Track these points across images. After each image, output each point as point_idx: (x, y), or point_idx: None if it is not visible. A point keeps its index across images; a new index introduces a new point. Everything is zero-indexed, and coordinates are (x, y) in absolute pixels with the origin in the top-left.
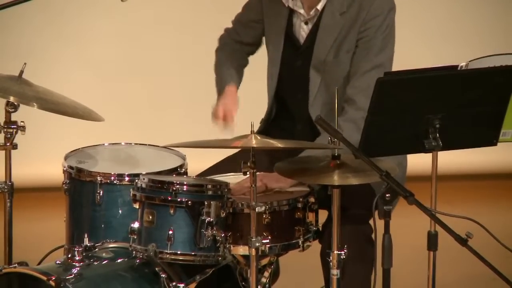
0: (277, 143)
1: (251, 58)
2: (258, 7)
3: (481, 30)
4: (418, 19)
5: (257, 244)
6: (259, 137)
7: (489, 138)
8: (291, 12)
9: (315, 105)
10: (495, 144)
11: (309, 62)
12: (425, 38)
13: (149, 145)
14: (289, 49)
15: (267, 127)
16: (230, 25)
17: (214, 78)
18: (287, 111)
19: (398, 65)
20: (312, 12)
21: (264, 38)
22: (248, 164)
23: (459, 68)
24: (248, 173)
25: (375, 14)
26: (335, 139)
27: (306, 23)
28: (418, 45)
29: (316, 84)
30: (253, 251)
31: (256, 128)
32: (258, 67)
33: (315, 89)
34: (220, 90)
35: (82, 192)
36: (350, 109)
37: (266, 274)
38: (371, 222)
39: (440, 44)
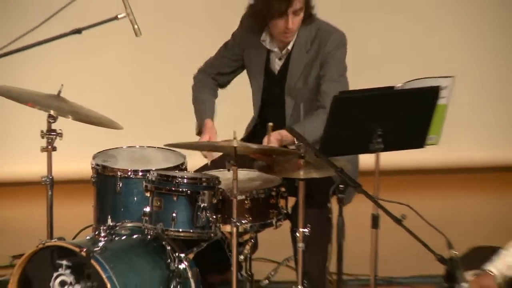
0: (253, 145)
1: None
2: (237, 48)
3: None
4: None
5: (238, 224)
6: (239, 142)
7: (419, 142)
8: (268, 51)
9: (290, 119)
10: (423, 147)
11: (283, 89)
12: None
13: (157, 147)
14: (267, 79)
15: (251, 137)
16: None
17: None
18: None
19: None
20: (284, 51)
21: (238, 70)
22: (231, 162)
23: (395, 88)
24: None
25: (329, 49)
26: (302, 143)
27: (280, 59)
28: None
29: (290, 105)
30: (234, 229)
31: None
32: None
33: (289, 109)
34: (201, 124)
35: (106, 184)
36: (309, 118)
37: (247, 247)
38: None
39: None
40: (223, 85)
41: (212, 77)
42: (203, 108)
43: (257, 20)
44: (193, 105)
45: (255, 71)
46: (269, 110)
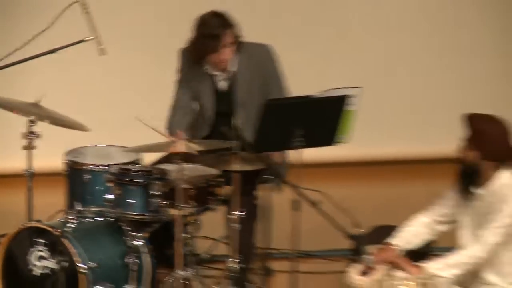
0: (196, 146)
1: None
2: (188, 84)
3: None
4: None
5: (183, 208)
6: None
7: (331, 140)
8: (212, 75)
9: (246, 130)
10: (333, 145)
11: (232, 104)
12: None
13: (118, 146)
14: (217, 97)
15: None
16: None
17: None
18: (218, 134)
19: None
20: (227, 74)
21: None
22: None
23: (313, 96)
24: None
25: (267, 62)
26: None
27: (225, 80)
28: None
29: (242, 115)
30: (179, 213)
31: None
32: None
33: (242, 118)
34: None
35: (76, 176)
36: None
37: (192, 227)
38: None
39: None
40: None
41: (183, 113)
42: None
43: (196, 56)
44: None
45: (206, 94)
46: (219, 122)
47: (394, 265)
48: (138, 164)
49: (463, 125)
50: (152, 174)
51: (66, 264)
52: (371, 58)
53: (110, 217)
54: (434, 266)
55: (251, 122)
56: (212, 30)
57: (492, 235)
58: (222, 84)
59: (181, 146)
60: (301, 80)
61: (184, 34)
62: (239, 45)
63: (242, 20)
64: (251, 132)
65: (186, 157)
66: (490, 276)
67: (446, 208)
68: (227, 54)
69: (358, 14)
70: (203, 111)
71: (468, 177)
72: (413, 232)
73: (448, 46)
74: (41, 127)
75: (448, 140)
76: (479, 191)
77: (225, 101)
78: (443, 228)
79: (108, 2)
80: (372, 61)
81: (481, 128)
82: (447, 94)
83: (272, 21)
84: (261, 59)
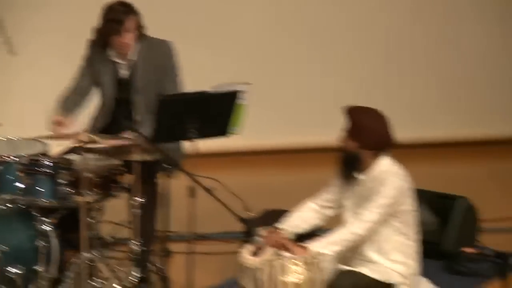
0: (96, 138)
1: None
2: (90, 67)
3: None
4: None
5: (87, 196)
6: (87, 136)
7: (224, 132)
8: (115, 62)
9: (140, 113)
10: (227, 136)
11: (130, 91)
12: None
13: (28, 138)
14: (117, 84)
15: (104, 132)
16: None
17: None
18: (117, 122)
19: None
20: (128, 62)
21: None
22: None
23: (206, 92)
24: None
25: (165, 56)
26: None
27: (126, 69)
28: None
29: (139, 102)
30: (83, 199)
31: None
32: None
33: (138, 105)
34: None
35: None
36: None
37: (96, 213)
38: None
39: None
40: (87, 92)
41: (78, 94)
42: (65, 106)
43: (100, 39)
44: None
45: (107, 80)
46: (119, 109)
47: (282, 247)
48: (46, 155)
49: (344, 116)
50: (59, 164)
51: None
52: (262, 55)
53: (21, 204)
54: (317, 245)
55: (148, 109)
56: (116, 15)
57: (370, 214)
58: (123, 72)
59: (65, 130)
60: (197, 75)
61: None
62: (142, 35)
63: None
64: (149, 121)
65: (89, 148)
66: (371, 254)
67: (332, 194)
68: (129, 38)
69: (252, 11)
70: (104, 98)
71: (349, 164)
72: (301, 217)
73: (329, 44)
74: None
75: (332, 131)
76: (360, 176)
77: (124, 89)
78: (330, 212)
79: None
80: (262, 59)
81: (359, 120)
82: (328, 89)
83: (170, 17)
84: (161, 53)
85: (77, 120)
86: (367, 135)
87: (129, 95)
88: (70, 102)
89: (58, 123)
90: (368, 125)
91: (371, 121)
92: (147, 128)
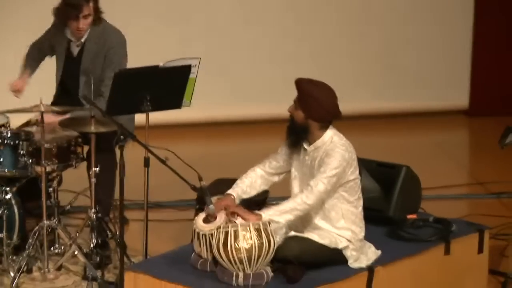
0: (54, 108)
1: None
2: (48, 40)
3: None
4: None
5: (46, 165)
6: (45, 106)
7: (177, 104)
8: (69, 40)
9: (83, 90)
10: (180, 108)
11: (79, 68)
12: None
13: None
14: (68, 59)
15: (54, 103)
16: None
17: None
18: (68, 92)
19: None
20: (79, 42)
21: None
22: (38, 120)
23: (159, 66)
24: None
25: (112, 45)
26: (92, 106)
27: (77, 46)
28: None
29: (83, 81)
30: (43, 169)
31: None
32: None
33: (82, 84)
34: (21, 72)
35: None
36: (100, 98)
37: (55, 181)
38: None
39: None
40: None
41: (38, 50)
42: (27, 62)
43: (58, 18)
44: (22, 61)
45: (60, 53)
46: (68, 82)
47: (233, 213)
48: (7, 127)
49: (296, 86)
50: (19, 135)
51: None
52: (214, 29)
53: None
54: (269, 213)
55: (90, 88)
56: (74, 1)
57: (319, 185)
58: (74, 50)
59: (22, 83)
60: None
61: None
62: (98, 19)
63: None
64: (90, 97)
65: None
66: (319, 222)
67: (279, 161)
68: (84, 23)
69: None
70: (56, 71)
71: (296, 134)
72: (249, 183)
73: (279, 17)
74: None
75: (281, 103)
76: (308, 147)
77: (72, 66)
78: (276, 179)
79: None
80: (213, 32)
81: (308, 92)
82: (277, 62)
83: None
84: (110, 41)
85: (30, 78)
86: (315, 107)
87: (76, 72)
88: (31, 59)
89: (17, 90)
90: (316, 97)
91: (319, 93)
92: (101, 101)
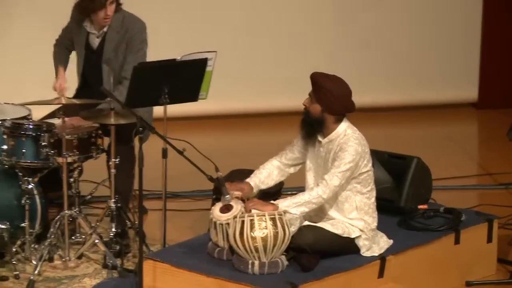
0: (75, 101)
1: None
2: (69, 33)
3: None
4: None
5: (67, 156)
6: (66, 98)
7: (193, 97)
8: (88, 32)
9: (106, 81)
10: (196, 100)
11: (100, 59)
12: None
13: (11, 103)
14: (88, 52)
15: (77, 95)
16: None
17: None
18: (89, 84)
19: None
20: (100, 32)
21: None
22: (61, 113)
23: (177, 60)
24: (60, 118)
25: (134, 32)
26: (112, 99)
27: (97, 37)
28: None
29: (106, 71)
30: (65, 160)
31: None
32: None
33: (105, 74)
34: (56, 71)
35: None
36: (125, 81)
37: (76, 173)
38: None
39: None
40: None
41: (63, 46)
42: (59, 60)
43: (82, 13)
44: (53, 60)
45: (79, 47)
46: (90, 74)
47: (250, 203)
48: (29, 118)
49: (311, 81)
50: (41, 127)
51: None
52: (229, 23)
53: (6, 165)
54: (285, 204)
55: (112, 78)
56: None
57: (333, 178)
58: (94, 42)
59: (62, 81)
60: (168, 44)
61: None
62: (118, 7)
63: None
64: (112, 87)
65: (68, 112)
66: (333, 213)
67: (295, 153)
68: (111, 10)
69: None
70: (77, 65)
71: (312, 127)
72: (266, 174)
73: (295, 11)
74: None
75: (296, 96)
76: (321, 139)
77: (93, 58)
78: (292, 170)
79: None
80: (230, 27)
81: (324, 85)
82: (296, 55)
83: None
84: (131, 29)
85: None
86: (331, 100)
87: (97, 63)
88: (60, 56)
89: (62, 89)
90: (332, 91)
91: (335, 87)
92: (121, 94)
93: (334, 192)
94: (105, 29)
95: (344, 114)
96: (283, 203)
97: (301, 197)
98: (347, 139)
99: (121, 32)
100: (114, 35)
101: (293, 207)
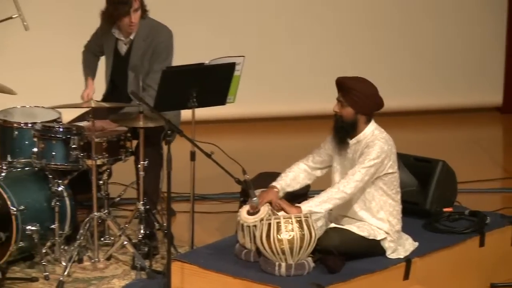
0: (104, 104)
1: None
2: (98, 40)
3: None
4: None
5: (96, 159)
6: (95, 102)
7: (221, 101)
8: (117, 39)
9: (131, 87)
10: (224, 104)
11: (127, 66)
12: None
13: (41, 106)
14: (116, 58)
15: (105, 99)
16: None
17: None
18: (117, 89)
19: None
20: (127, 39)
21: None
22: (91, 116)
23: (205, 64)
24: (90, 121)
25: (160, 40)
26: (141, 102)
27: (125, 44)
28: None
29: (131, 77)
30: (94, 163)
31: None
32: None
33: (131, 80)
34: (85, 80)
35: (5, 132)
36: (149, 89)
37: (105, 175)
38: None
39: None
40: (100, 55)
41: (92, 52)
42: (87, 69)
43: (108, 20)
44: (83, 67)
45: (108, 53)
46: (117, 80)
47: (276, 206)
48: (59, 122)
49: (337, 86)
50: (70, 130)
51: None
52: (256, 27)
53: (36, 167)
54: (308, 205)
55: (137, 84)
56: None
57: (357, 173)
58: (122, 48)
59: (90, 91)
60: (196, 50)
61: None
62: (144, 13)
63: None
64: (151, 90)
65: (96, 115)
66: (360, 212)
67: (322, 156)
68: (136, 18)
69: None
70: (106, 70)
71: (345, 131)
72: (293, 177)
73: (321, 16)
74: None
75: (322, 99)
76: (349, 140)
77: (121, 64)
78: (319, 174)
79: None
80: (256, 32)
81: (355, 87)
82: (322, 59)
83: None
84: (158, 36)
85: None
86: (364, 100)
87: (125, 69)
88: (89, 63)
89: (90, 99)
90: (363, 90)
91: (364, 87)
92: (149, 98)
93: (358, 188)
94: (132, 37)
95: (374, 114)
96: (306, 204)
97: (324, 195)
98: (374, 138)
99: (147, 40)
100: (141, 43)
101: (317, 205)
